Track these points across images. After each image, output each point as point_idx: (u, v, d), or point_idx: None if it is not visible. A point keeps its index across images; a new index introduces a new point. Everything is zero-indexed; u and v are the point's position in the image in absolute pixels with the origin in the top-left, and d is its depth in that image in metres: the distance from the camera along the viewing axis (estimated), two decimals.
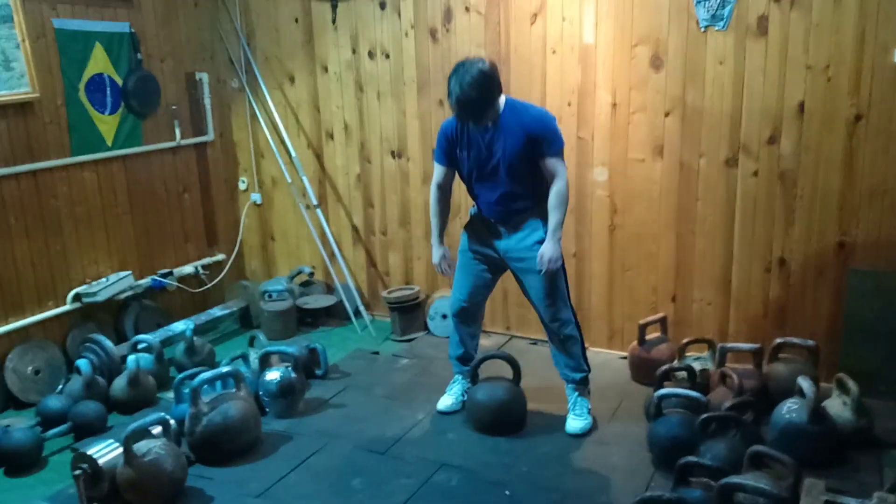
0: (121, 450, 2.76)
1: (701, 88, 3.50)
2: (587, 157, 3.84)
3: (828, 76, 3.24)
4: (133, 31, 4.17)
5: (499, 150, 3.00)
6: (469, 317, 3.37)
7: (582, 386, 3.29)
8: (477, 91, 2.82)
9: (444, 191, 3.23)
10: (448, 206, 3.30)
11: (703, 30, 3.43)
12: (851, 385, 2.92)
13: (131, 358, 3.60)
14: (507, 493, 2.78)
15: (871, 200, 3.27)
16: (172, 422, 3.04)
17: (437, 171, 3.21)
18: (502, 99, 2.98)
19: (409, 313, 4.39)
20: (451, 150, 3.11)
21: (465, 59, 2.92)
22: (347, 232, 4.68)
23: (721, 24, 3.38)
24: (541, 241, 3.05)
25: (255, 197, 4.88)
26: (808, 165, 3.36)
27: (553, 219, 3.01)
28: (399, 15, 4.13)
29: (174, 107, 4.44)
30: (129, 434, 2.71)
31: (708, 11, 3.38)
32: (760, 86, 3.37)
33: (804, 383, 2.85)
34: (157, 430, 2.93)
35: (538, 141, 2.97)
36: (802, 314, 3.50)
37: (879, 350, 3.31)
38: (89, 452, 2.79)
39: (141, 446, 2.77)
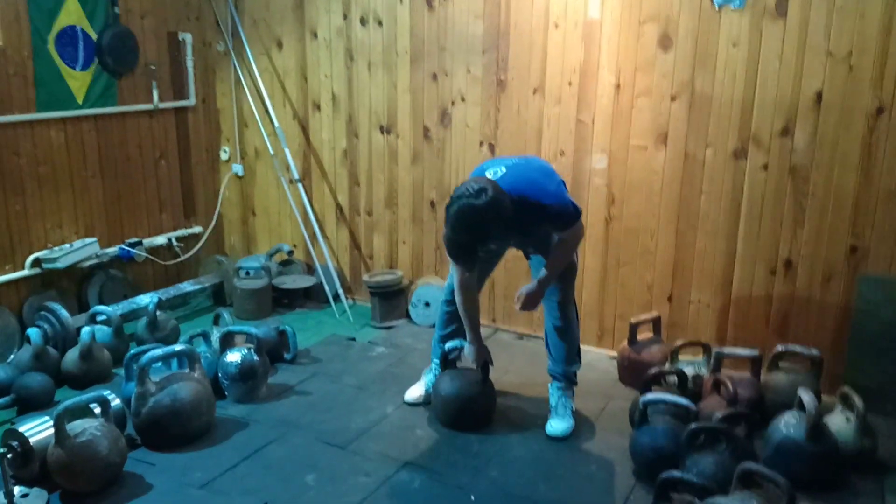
0: None
1: (711, 72, 3.24)
2: (586, 143, 3.59)
3: (849, 65, 2.98)
4: None
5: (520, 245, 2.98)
6: None
7: (568, 384, 3.08)
8: (466, 233, 2.50)
9: (472, 287, 2.89)
10: (477, 300, 2.99)
11: (717, 8, 3.16)
12: (857, 401, 2.67)
13: (86, 330, 3.37)
14: (472, 498, 2.55)
15: (888, 202, 3.01)
16: (117, 401, 2.82)
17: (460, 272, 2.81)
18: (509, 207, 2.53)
19: (391, 299, 4.15)
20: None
21: (464, 186, 2.48)
22: (331, 210, 4.43)
23: (737, 2, 3.11)
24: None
25: (237, 168, 4.64)
26: (822, 161, 3.10)
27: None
28: None
29: (153, 67, 4.20)
30: (60, 412, 2.48)
31: None
32: (776, 72, 3.11)
33: (805, 396, 2.60)
34: (98, 409, 2.70)
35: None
36: (807, 321, 3.25)
37: (888, 365, 3.07)
38: (21, 429, 2.57)
39: (76, 426, 2.55)
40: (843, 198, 3.10)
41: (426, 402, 3.19)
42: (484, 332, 3.89)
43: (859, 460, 2.68)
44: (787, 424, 2.64)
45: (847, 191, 3.08)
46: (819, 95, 3.06)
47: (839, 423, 2.72)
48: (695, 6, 3.20)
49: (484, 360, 2.99)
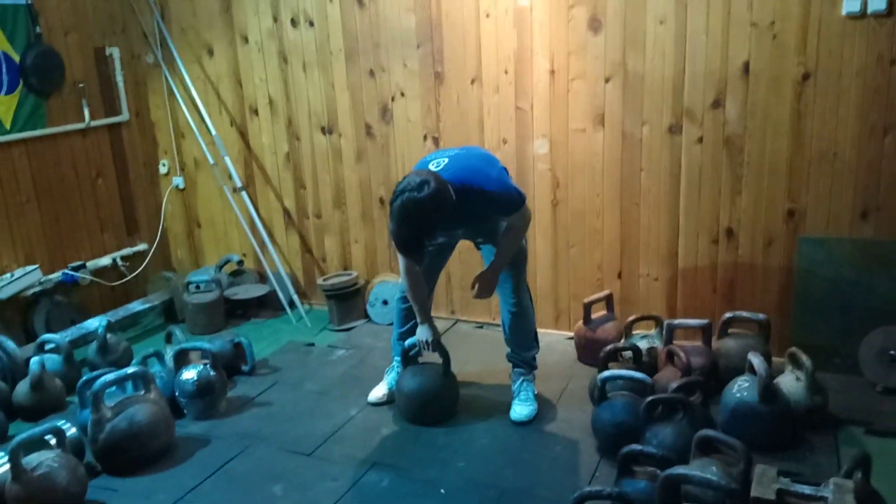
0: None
1: (641, 51, 3.29)
2: (527, 129, 3.61)
3: (773, 33, 3.05)
4: (30, 2, 3.80)
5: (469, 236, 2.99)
6: None
7: (529, 369, 3.11)
8: (410, 227, 2.47)
9: (417, 273, 2.90)
10: (424, 284, 2.98)
11: None
12: (805, 360, 2.76)
13: (34, 360, 3.27)
14: (441, 491, 2.56)
15: (820, 164, 3.11)
16: (73, 429, 2.76)
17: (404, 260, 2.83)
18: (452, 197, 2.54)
19: (348, 301, 4.13)
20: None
21: (406, 180, 2.47)
22: (279, 216, 4.38)
23: None
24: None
25: (178, 181, 4.54)
26: (754, 130, 3.18)
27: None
28: None
29: (81, 85, 4.08)
30: (14, 446, 2.41)
31: None
32: (703, 46, 3.18)
33: (755, 360, 2.68)
34: (54, 440, 2.63)
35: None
36: (752, 286, 3.34)
37: (832, 321, 3.18)
38: None
39: (32, 459, 2.48)
40: (777, 164, 3.18)
41: (390, 400, 3.19)
42: (443, 323, 3.96)
43: (812, 417, 2.76)
44: (741, 389, 2.71)
45: (781, 157, 3.17)
46: (746, 66, 3.13)
47: (790, 382, 2.80)
48: None
49: (437, 338, 3.00)
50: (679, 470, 2.05)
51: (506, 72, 3.58)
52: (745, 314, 3.12)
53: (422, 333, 3.00)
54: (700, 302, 3.44)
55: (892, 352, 2.97)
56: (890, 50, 2.89)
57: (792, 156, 3.15)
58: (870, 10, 2.87)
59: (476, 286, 2.87)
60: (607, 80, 3.38)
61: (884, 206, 3.05)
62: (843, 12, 2.91)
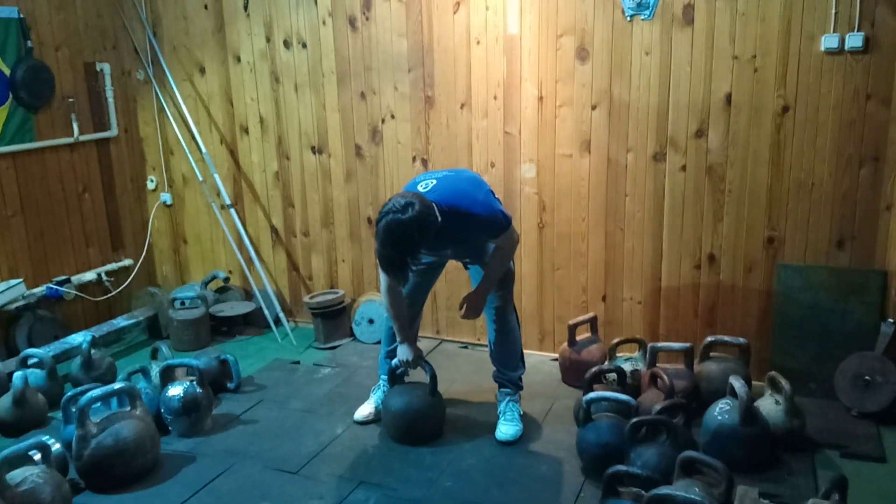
0: None
1: (627, 80, 3.38)
2: (515, 154, 3.69)
3: (754, 67, 3.16)
4: (22, 16, 3.82)
5: (457, 256, 3.04)
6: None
7: (514, 389, 3.15)
8: (394, 248, 2.51)
9: (398, 291, 2.92)
10: (405, 303, 2.99)
11: (628, 19, 3.31)
12: (784, 384, 2.83)
13: (17, 375, 3.25)
14: None
15: (798, 194, 3.21)
16: (58, 445, 2.74)
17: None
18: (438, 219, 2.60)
19: (334, 319, 4.15)
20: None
21: (392, 201, 2.52)
22: (266, 233, 4.40)
23: (647, 13, 3.27)
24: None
25: (165, 197, 4.55)
26: (735, 159, 3.28)
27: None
28: (315, 1, 3.89)
29: (71, 99, 4.09)
30: None
31: (634, 0, 3.27)
32: (687, 77, 3.28)
33: (736, 383, 2.75)
34: (38, 455, 2.62)
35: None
36: (733, 311, 3.42)
37: (809, 347, 3.26)
38: None
39: (16, 475, 2.46)
40: (757, 192, 3.28)
41: (376, 419, 3.21)
42: (428, 343, 3.99)
43: (790, 439, 2.83)
44: (722, 411, 2.77)
45: (761, 186, 3.27)
46: (728, 97, 3.23)
47: (769, 405, 2.87)
48: (608, 18, 3.35)
49: (417, 356, 3.02)
50: (663, 490, 2.10)
51: (495, 97, 3.66)
52: (725, 338, 3.19)
53: (402, 353, 3.03)
54: (682, 325, 3.51)
55: (866, 377, 3.06)
56: (865, 85, 3.01)
57: (771, 185, 3.24)
58: (847, 46, 2.99)
59: (464, 307, 2.92)
60: (594, 108, 3.47)
61: (858, 235, 3.15)
62: (822, 48, 3.03)
